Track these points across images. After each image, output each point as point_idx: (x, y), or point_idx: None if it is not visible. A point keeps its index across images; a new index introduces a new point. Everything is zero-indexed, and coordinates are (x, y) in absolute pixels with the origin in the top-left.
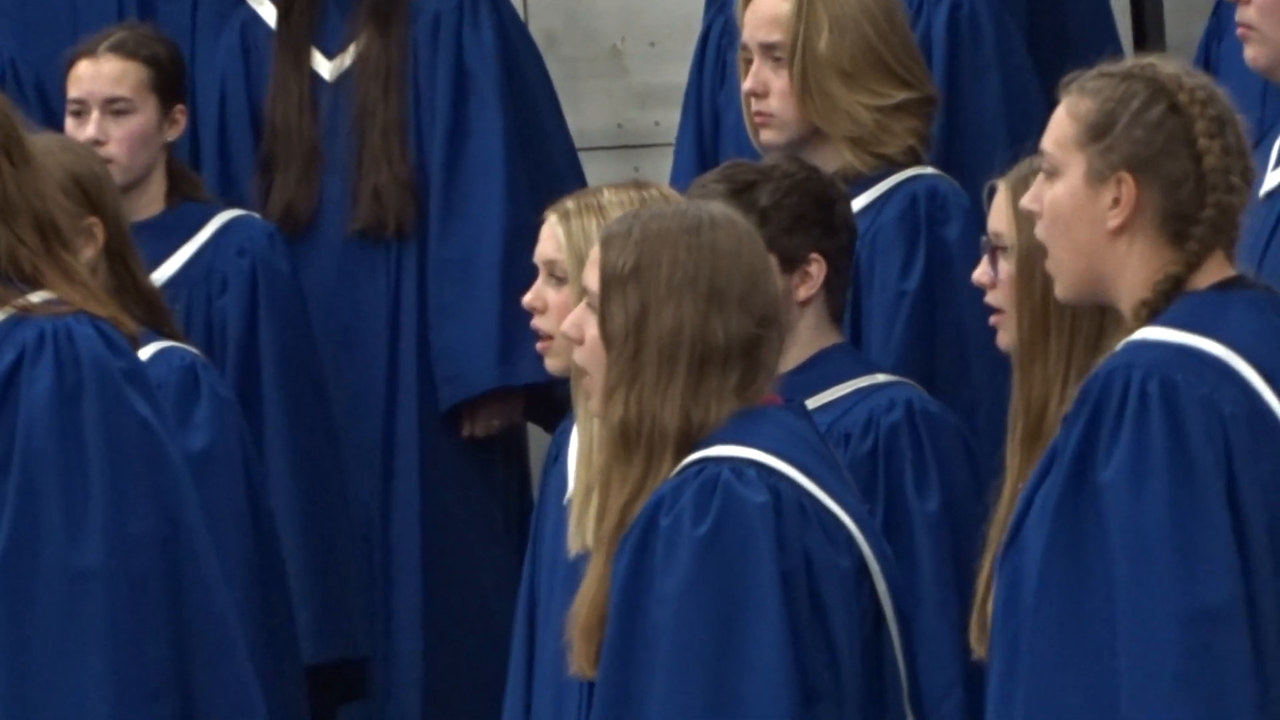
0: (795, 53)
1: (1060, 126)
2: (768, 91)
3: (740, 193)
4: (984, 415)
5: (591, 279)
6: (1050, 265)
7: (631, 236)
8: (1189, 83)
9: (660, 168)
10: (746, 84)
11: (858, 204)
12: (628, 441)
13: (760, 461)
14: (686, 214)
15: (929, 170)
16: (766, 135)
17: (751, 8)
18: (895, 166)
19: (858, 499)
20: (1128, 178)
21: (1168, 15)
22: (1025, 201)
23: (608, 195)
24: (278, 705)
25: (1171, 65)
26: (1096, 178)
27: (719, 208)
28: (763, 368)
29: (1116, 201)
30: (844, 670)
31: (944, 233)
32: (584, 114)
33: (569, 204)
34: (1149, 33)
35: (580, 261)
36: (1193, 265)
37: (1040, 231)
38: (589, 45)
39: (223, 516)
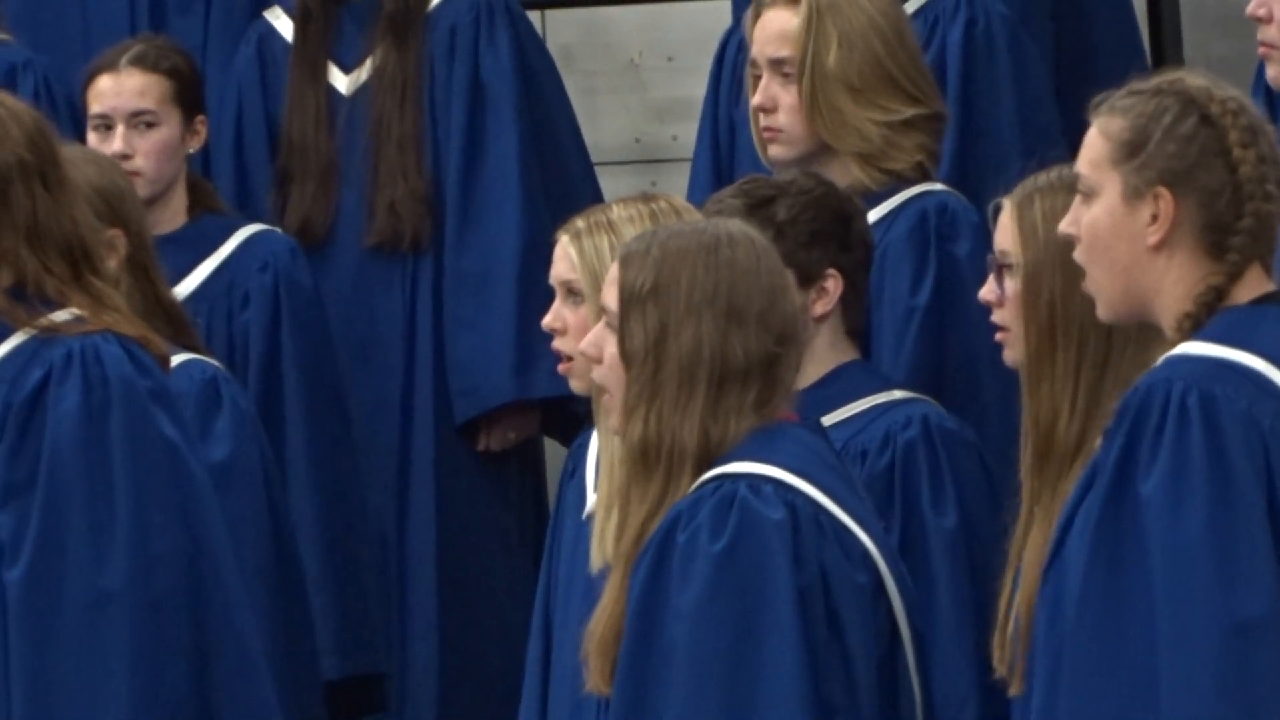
0: (804, 68)
1: (1093, 147)
2: (776, 106)
3: (757, 208)
4: (994, 431)
5: (610, 298)
6: (1090, 286)
7: (650, 255)
8: (1219, 94)
9: (678, 182)
10: (755, 99)
11: (868, 219)
12: (647, 459)
13: (777, 478)
14: (705, 232)
15: (938, 186)
16: (774, 150)
17: (761, 23)
18: (904, 182)
19: (874, 516)
20: (1164, 193)
21: (1185, 33)
22: (1064, 226)
23: (617, 211)
24: (297, 717)
25: (1200, 78)
26: (1133, 195)
27: (737, 225)
28: (780, 385)
29: (1155, 217)
30: (860, 686)
31: (954, 249)
32: (601, 129)
33: (579, 223)
34: (1166, 50)
35: (596, 279)
36: (1233, 276)
37: (1079, 254)
38: (607, 60)
39: (242, 528)
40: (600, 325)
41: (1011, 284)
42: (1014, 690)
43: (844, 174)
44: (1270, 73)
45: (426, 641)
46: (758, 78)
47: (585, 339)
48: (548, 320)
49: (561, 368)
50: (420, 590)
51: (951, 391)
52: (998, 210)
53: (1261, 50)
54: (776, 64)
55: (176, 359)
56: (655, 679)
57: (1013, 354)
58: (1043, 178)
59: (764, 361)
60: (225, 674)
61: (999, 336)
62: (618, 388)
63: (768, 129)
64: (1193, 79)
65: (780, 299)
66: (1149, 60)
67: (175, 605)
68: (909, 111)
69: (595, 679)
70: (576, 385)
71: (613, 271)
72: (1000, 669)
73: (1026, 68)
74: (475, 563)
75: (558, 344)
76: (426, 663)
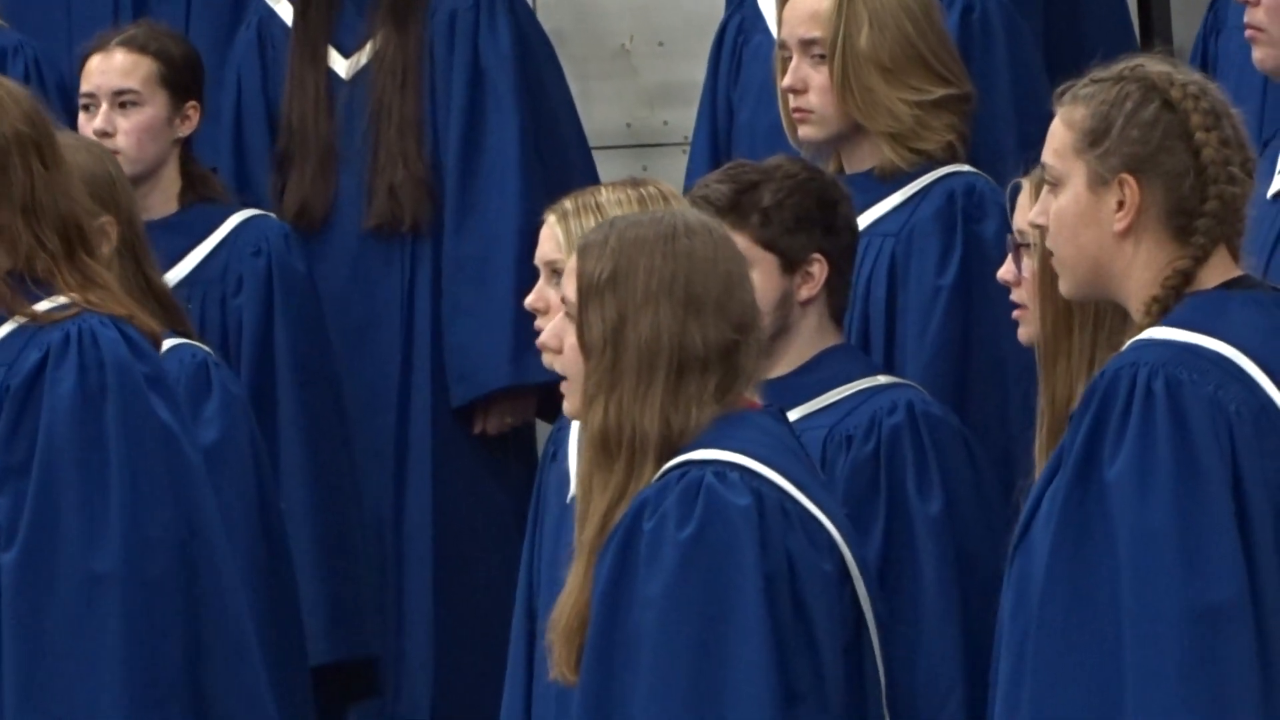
0: (836, 48)
1: (1058, 137)
2: (807, 87)
3: (743, 192)
4: (1017, 412)
5: (569, 288)
6: (1055, 264)
7: (608, 245)
8: (1180, 79)
9: (670, 167)
10: (785, 80)
11: (894, 200)
12: (608, 448)
13: (742, 465)
14: (662, 221)
15: (966, 167)
16: (805, 131)
17: (791, 4)
18: (933, 163)
19: (837, 503)
20: (1129, 179)
21: (1174, 15)
22: (1032, 216)
23: (605, 194)
24: (283, 701)
25: (1161, 64)
26: (1099, 183)
27: (695, 215)
28: (741, 373)
29: (1121, 204)
30: (826, 672)
31: (981, 229)
32: (593, 114)
33: (567, 204)
34: (1155, 33)
35: None
36: (1200, 259)
37: (1050, 243)
38: (598, 45)
39: (230, 512)
40: (560, 315)
41: (1029, 263)
42: None
43: (874, 154)
44: (1256, 55)
45: (422, 625)
46: (787, 59)
47: (546, 329)
48: (530, 300)
49: (540, 341)
50: (416, 574)
51: (976, 372)
52: (1016, 191)
53: (1248, 33)
54: (807, 45)
55: (167, 343)
56: (622, 666)
57: (1027, 331)
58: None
59: (723, 350)
60: (218, 658)
61: (1016, 314)
62: (577, 377)
63: (798, 110)
64: (1154, 64)
65: (738, 288)
66: (1137, 44)
67: (169, 589)
68: (939, 92)
69: (559, 667)
70: (551, 364)
71: (571, 262)
72: None
73: (1022, 53)
74: (471, 546)
75: (540, 324)
76: (422, 646)
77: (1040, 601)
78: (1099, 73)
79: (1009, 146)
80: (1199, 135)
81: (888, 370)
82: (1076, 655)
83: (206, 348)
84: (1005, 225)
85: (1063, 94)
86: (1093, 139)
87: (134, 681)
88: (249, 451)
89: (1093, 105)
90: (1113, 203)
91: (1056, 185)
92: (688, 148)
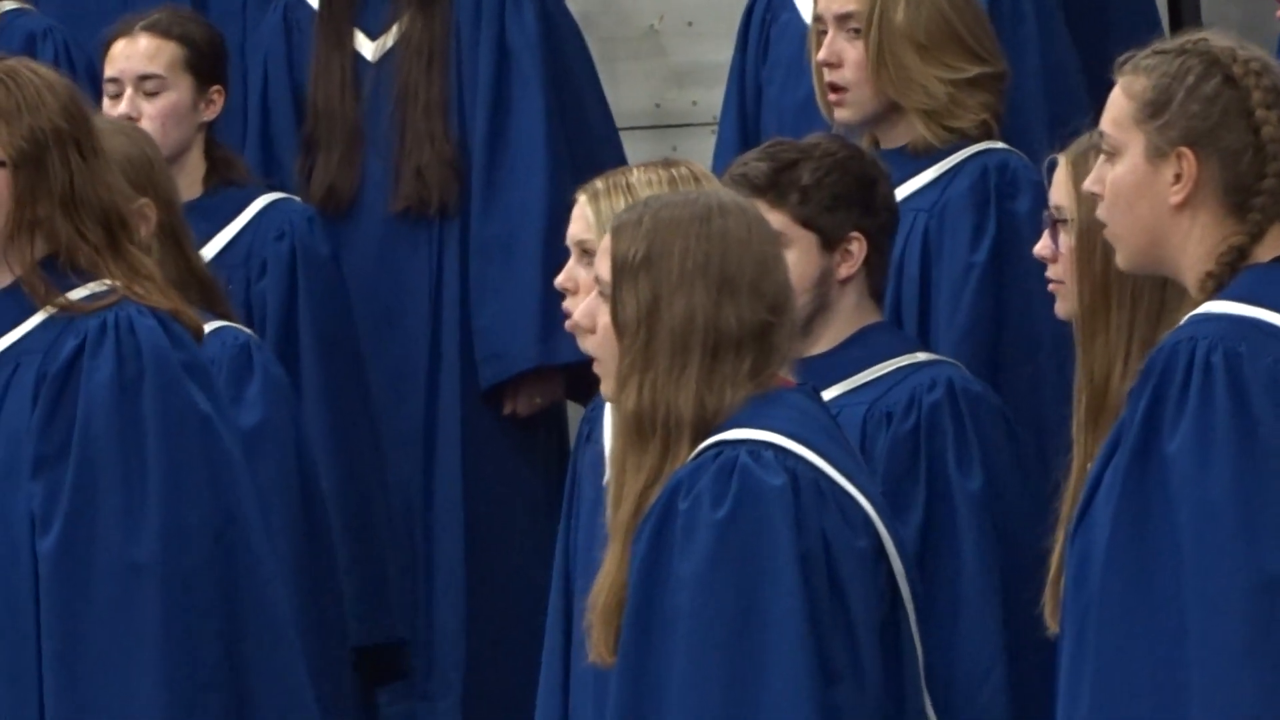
0: (872, 23)
1: (1117, 106)
2: (841, 62)
3: (782, 171)
4: (1049, 389)
5: (603, 268)
6: (1109, 235)
7: (642, 225)
8: (1243, 55)
9: (699, 147)
10: (820, 54)
11: (927, 176)
12: (641, 429)
13: (777, 444)
14: (696, 202)
15: (1000, 144)
16: (841, 114)
17: None
18: (967, 140)
19: (872, 481)
20: (1187, 153)
21: None
22: (1088, 184)
23: (637, 175)
24: (324, 682)
25: (1225, 39)
26: (1156, 155)
27: (729, 195)
28: (775, 353)
29: (1178, 177)
30: (863, 650)
31: (1014, 206)
32: (621, 94)
33: (598, 184)
34: (1185, 13)
35: None
36: (1256, 236)
37: (1102, 212)
38: (625, 25)
39: (272, 493)
40: (593, 295)
41: (1066, 239)
42: None
43: (908, 131)
44: None
45: (453, 607)
46: (822, 34)
47: (579, 309)
48: (560, 279)
49: (569, 324)
50: (447, 555)
51: (1009, 348)
52: (1053, 166)
53: (1279, 14)
54: (843, 20)
55: (209, 326)
56: (659, 647)
57: (1064, 306)
58: (1098, 134)
59: (757, 330)
60: (256, 647)
61: (1052, 288)
62: (610, 357)
63: (833, 86)
64: (1217, 40)
65: (773, 268)
66: (1167, 26)
67: (206, 577)
68: (974, 70)
69: (598, 649)
70: (584, 345)
71: (605, 241)
72: (1053, 625)
73: (1052, 31)
74: (501, 528)
75: (568, 304)
76: (453, 628)
77: (1102, 576)
78: (1162, 44)
79: (1038, 124)
80: (1259, 113)
81: (920, 345)
82: (1139, 631)
83: (248, 330)
84: (1038, 202)
85: (1124, 63)
86: (1153, 110)
87: (172, 671)
88: (290, 433)
89: (1154, 77)
90: (1169, 175)
91: (1114, 155)
92: (717, 128)
